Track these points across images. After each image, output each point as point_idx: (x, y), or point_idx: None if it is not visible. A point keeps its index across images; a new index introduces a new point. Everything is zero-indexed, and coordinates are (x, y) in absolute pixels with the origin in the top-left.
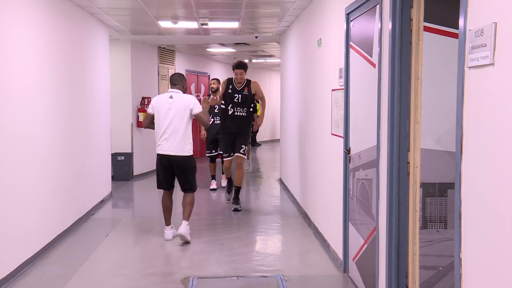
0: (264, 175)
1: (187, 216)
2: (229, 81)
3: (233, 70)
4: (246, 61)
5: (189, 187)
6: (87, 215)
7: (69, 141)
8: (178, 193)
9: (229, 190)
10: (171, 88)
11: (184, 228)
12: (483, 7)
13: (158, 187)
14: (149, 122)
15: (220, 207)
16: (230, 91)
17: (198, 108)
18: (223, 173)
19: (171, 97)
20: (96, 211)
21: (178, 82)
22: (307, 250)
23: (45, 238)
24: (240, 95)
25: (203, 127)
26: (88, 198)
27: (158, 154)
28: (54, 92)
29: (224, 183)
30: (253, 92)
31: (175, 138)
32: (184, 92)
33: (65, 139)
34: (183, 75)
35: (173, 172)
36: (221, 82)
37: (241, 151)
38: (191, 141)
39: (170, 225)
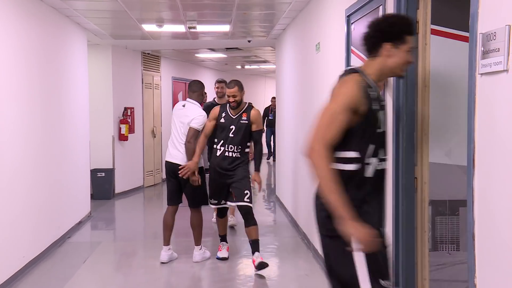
0: (258, 191)
1: (197, 241)
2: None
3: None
4: (238, 67)
5: (193, 201)
6: (62, 239)
7: (43, 156)
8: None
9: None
10: (189, 96)
11: (197, 255)
12: (496, 8)
13: (168, 203)
14: None
15: (210, 229)
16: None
17: (195, 123)
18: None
19: (183, 105)
20: (73, 233)
21: (195, 90)
22: (306, 274)
23: (14, 265)
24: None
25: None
26: (64, 219)
27: (165, 162)
28: (26, 102)
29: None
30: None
31: (179, 147)
32: (200, 101)
33: (38, 153)
34: (200, 82)
35: (178, 183)
36: (227, 82)
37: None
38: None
39: (168, 245)
